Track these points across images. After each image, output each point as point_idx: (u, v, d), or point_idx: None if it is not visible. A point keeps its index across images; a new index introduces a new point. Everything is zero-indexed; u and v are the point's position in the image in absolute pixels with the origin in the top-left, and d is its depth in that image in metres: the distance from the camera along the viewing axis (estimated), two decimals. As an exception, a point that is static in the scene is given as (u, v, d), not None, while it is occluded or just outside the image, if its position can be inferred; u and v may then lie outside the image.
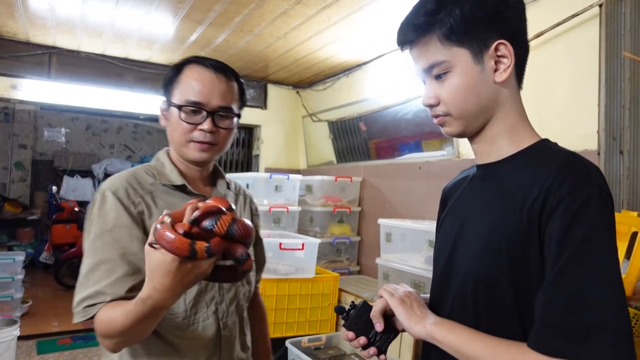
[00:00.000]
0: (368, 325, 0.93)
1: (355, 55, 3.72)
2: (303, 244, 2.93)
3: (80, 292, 0.97)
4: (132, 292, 0.94)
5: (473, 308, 0.84)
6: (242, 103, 1.22)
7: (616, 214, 1.00)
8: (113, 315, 0.90)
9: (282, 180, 3.64)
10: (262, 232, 3.37)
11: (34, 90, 3.80)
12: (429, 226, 2.56)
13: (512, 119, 0.87)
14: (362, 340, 0.93)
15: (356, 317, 0.94)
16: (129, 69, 4.11)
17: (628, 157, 2.00)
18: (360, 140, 4.13)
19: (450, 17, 0.81)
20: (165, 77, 1.18)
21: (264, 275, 2.81)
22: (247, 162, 4.87)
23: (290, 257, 2.98)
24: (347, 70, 4.12)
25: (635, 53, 1.95)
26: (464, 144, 2.88)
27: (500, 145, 0.87)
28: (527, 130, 0.88)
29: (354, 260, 3.85)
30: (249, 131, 4.86)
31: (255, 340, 1.37)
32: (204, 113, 1.10)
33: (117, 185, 1.07)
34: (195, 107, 1.10)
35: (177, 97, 1.12)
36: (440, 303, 0.92)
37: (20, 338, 3.35)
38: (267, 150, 4.77)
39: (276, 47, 3.64)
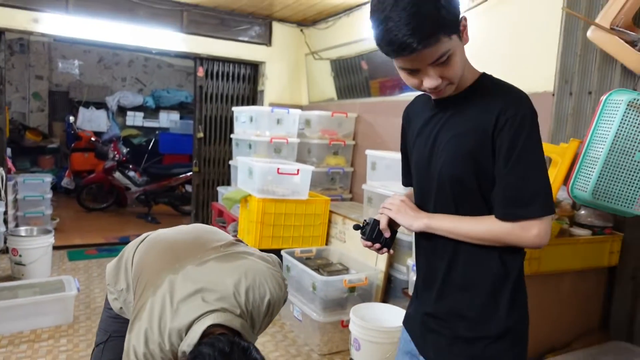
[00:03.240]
0: (379, 235, 1.26)
1: (354, -5, 3.91)
2: (298, 170, 3.32)
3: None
4: None
5: (453, 200, 1.14)
6: None
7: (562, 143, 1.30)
8: None
9: (283, 114, 3.97)
10: (263, 160, 3.74)
11: (52, 23, 4.07)
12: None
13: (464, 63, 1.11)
14: (377, 246, 1.27)
15: (371, 231, 1.26)
16: (141, 5, 4.33)
17: (574, 98, 2.31)
18: (361, 78, 4.36)
19: (448, 15, 0.98)
20: None
21: (265, 196, 3.24)
22: (252, 97, 5.17)
23: (288, 181, 3.39)
24: (348, 10, 4.31)
25: (590, 9, 2.20)
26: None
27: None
28: (470, 69, 1.14)
29: (347, 188, 4.26)
30: (254, 67, 5.12)
31: None
32: None
33: None
34: None
35: None
36: (425, 203, 1.21)
37: (52, 248, 3.87)
38: (271, 86, 5.06)
39: (279, -14, 3.84)
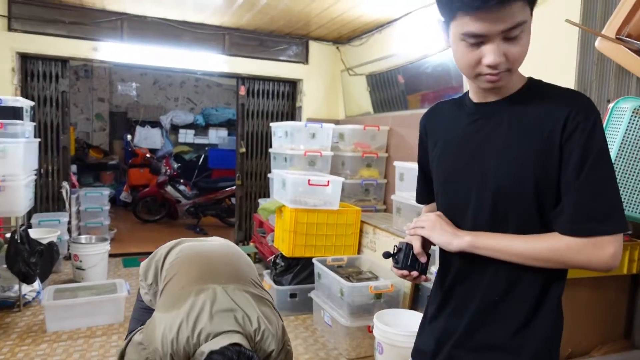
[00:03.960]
0: (414, 261, 1.10)
1: (383, 13, 4.06)
2: (328, 181, 3.48)
3: None
4: None
5: (501, 217, 0.99)
6: None
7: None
8: None
9: (317, 128, 4.16)
10: (297, 172, 3.92)
11: (109, 51, 4.50)
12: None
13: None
14: (414, 274, 1.10)
15: (405, 258, 1.10)
16: (186, 31, 4.71)
17: (593, 106, 2.32)
18: (398, 92, 4.43)
19: None
20: None
21: (297, 206, 3.41)
22: (291, 113, 5.41)
23: (319, 192, 3.55)
24: (380, 26, 4.46)
25: (604, 19, 2.23)
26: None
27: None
28: (517, 72, 1.00)
29: (381, 200, 4.37)
30: (293, 85, 5.37)
31: None
32: None
33: None
34: None
35: None
36: (458, 221, 1.05)
37: (109, 255, 4.24)
38: (309, 102, 5.28)
39: (312, 7, 4.06)
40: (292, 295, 3.55)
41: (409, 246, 1.10)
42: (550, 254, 0.94)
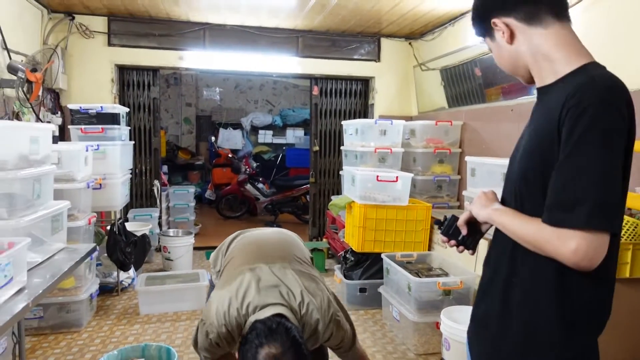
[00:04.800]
0: (456, 231, 1.20)
1: (454, 5, 3.97)
2: (397, 177, 3.49)
3: None
4: None
5: (520, 197, 1.05)
6: None
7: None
8: None
9: (387, 125, 4.17)
10: (367, 169, 3.95)
11: (194, 59, 4.86)
12: (504, 161, 2.90)
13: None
14: (453, 243, 1.21)
15: (447, 227, 1.23)
16: (262, 35, 4.94)
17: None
18: (474, 85, 4.29)
19: None
20: None
21: (366, 202, 3.45)
22: (363, 111, 5.45)
23: (389, 188, 3.56)
24: (452, 19, 4.36)
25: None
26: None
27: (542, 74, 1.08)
28: (564, 60, 1.02)
29: (454, 196, 4.26)
30: (365, 83, 5.40)
31: None
32: None
33: None
34: None
35: None
36: (505, 200, 1.14)
37: (194, 249, 4.58)
38: (381, 99, 5.28)
39: (382, 5, 4.07)
40: (362, 290, 3.60)
41: (454, 217, 1.23)
42: (532, 238, 0.97)
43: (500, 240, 1.10)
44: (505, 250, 1.07)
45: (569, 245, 0.88)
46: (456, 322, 2.52)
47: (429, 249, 3.65)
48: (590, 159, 0.89)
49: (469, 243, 1.21)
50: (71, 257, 2.15)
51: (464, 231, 1.19)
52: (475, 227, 1.19)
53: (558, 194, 0.92)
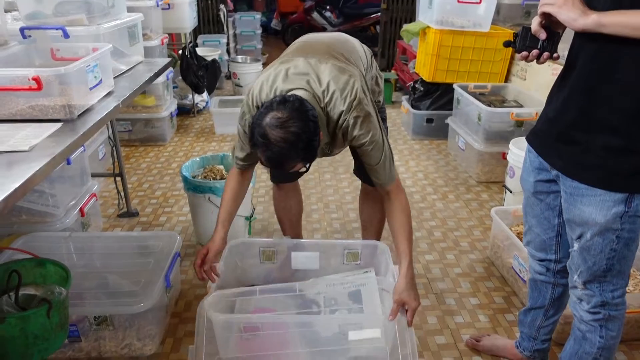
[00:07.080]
0: (533, 40, 1.10)
1: None
2: (481, -1, 3.13)
3: None
4: None
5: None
6: None
7: None
8: None
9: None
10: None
11: None
12: None
13: None
14: (535, 52, 1.10)
15: (522, 40, 1.11)
16: None
17: None
18: None
19: None
20: None
21: (443, 27, 3.21)
22: None
23: (470, 11, 3.24)
24: None
25: None
26: None
27: None
28: None
29: (543, 24, 3.82)
30: None
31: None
32: None
33: None
34: None
35: None
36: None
37: (262, 75, 4.62)
38: None
39: None
40: (429, 121, 3.57)
41: (526, 28, 1.11)
42: None
43: (598, 45, 1.04)
44: (606, 53, 1.03)
45: None
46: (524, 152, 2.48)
47: (506, 81, 3.44)
48: None
49: (550, 46, 1.10)
50: (150, 68, 2.24)
51: (542, 36, 1.08)
52: (549, 30, 1.09)
53: None
